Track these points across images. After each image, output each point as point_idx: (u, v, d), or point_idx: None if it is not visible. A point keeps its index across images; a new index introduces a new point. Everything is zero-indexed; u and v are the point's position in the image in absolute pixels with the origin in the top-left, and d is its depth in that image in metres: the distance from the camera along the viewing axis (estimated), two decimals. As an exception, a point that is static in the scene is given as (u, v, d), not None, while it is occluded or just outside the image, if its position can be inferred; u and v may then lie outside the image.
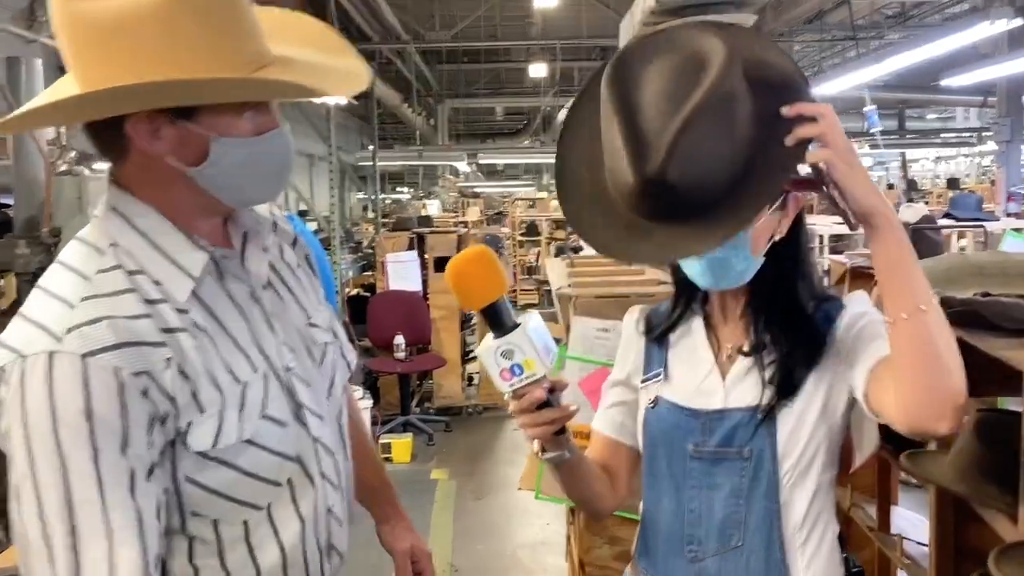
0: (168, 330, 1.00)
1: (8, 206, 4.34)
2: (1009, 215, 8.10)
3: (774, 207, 1.17)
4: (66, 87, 1.02)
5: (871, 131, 7.26)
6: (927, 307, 1.02)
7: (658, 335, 1.35)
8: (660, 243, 1.09)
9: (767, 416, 1.21)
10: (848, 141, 1.04)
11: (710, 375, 1.28)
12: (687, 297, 1.33)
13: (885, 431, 1.23)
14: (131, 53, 0.94)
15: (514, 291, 11.78)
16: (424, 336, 6.36)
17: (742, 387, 1.25)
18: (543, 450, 1.19)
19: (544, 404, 1.12)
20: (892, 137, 17.13)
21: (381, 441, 5.48)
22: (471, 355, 6.95)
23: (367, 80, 1.11)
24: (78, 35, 0.96)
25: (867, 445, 1.30)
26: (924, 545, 1.87)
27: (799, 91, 1.08)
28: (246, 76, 0.99)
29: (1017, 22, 5.82)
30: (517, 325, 1.11)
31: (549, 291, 6.69)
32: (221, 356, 1.05)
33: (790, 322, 1.23)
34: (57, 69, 1.06)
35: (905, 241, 1.05)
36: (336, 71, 1.11)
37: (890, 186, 18.53)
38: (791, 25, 13.28)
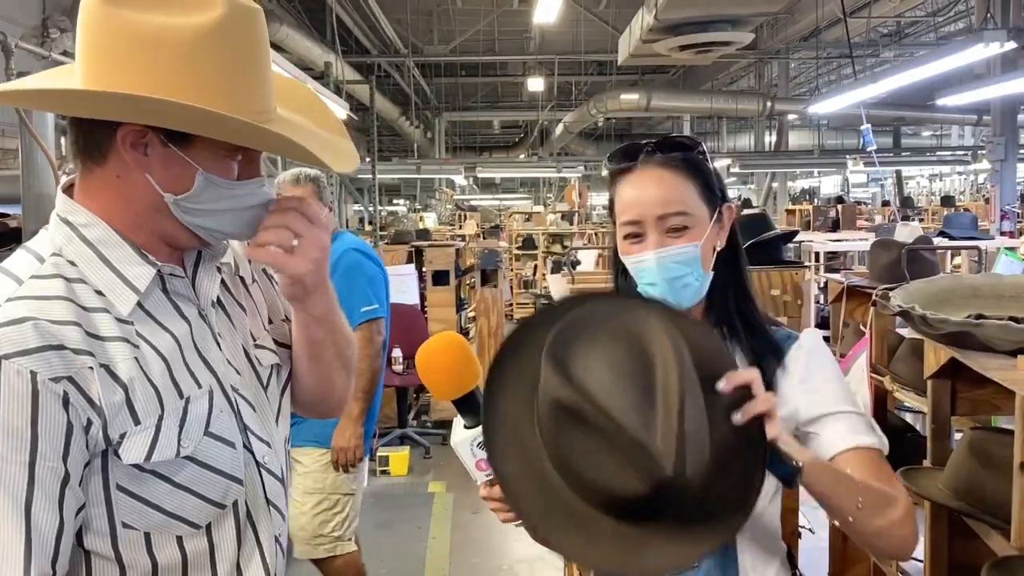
0: (99, 338, 0.96)
1: (6, 216, 4.34)
2: (1003, 233, 8.17)
3: (713, 220, 1.23)
4: (62, 79, 1.01)
5: (867, 149, 7.31)
6: (863, 501, 1.11)
7: None
8: (656, 552, 0.95)
9: None
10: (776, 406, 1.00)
11: None
12: None
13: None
14: (151, 68, 0.94)
15: (510, 305, 11.80)
16: (422, 349, 6.37)
17: None
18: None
19: None
20: (887, 155, 17.22)
21: (378, 454, 5.49)
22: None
23: (357, 162, 1.11)
24: (107, 37, 0.95)
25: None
26: (919, 560, 1.90)
27: (728, 365, 1.01)
28: (257, 124, 0.99)
29: (1011, 45, 5.89)
30: None
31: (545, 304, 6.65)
32: (164, 368, 1.01)
33: (750, 330, 1.27)
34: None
35: (831, 468, 1.13)
36: (331, 146, 1.11)
37: (885, 203, 18.67)
38: (787, 43, 13.44)
